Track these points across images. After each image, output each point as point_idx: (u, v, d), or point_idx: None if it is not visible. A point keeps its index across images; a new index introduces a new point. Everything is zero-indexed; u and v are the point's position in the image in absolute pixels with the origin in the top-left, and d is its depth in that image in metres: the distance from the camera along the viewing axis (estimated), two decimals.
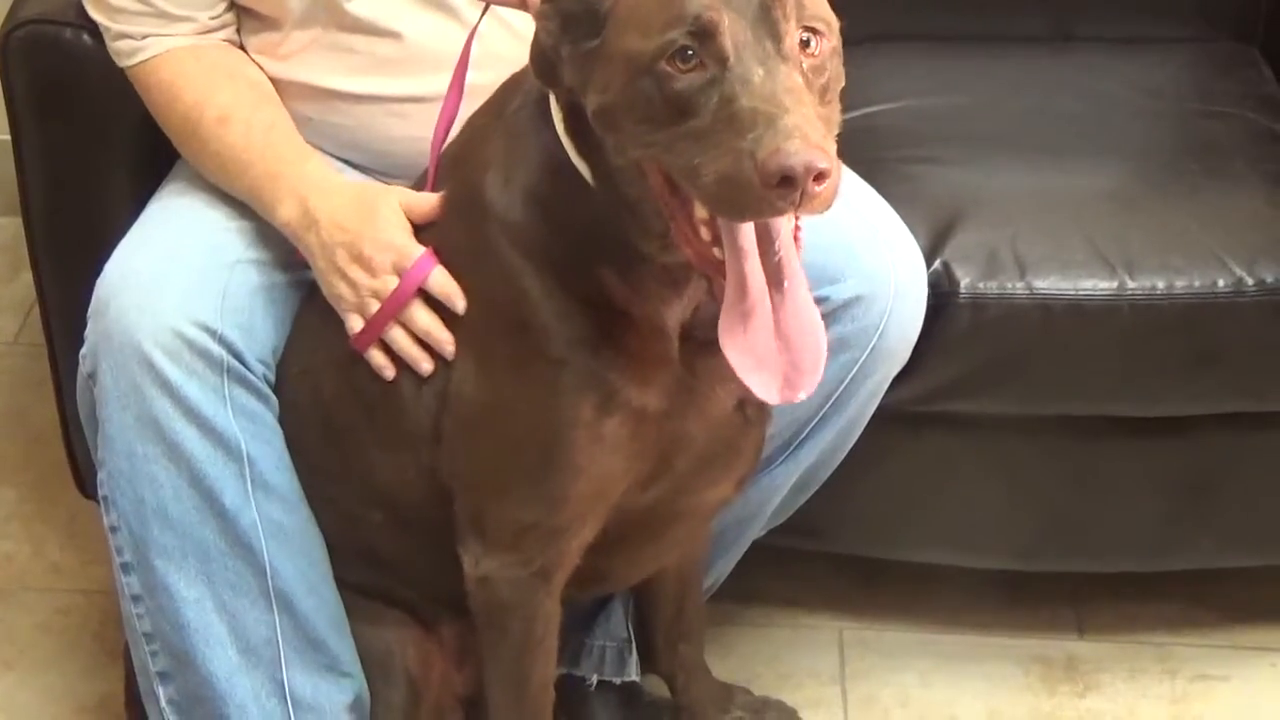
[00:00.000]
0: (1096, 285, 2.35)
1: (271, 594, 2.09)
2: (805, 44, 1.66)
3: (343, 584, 2.16)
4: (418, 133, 2.13)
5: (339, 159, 2.22)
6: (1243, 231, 2.42)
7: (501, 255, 1.89)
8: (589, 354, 1.87)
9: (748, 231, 1.68)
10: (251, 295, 2.11)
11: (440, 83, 2.09)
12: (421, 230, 2.00)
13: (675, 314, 1.89)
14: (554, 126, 1.84)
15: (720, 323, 1.71)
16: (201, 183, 2.20)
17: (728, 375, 1.77)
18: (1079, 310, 2.35)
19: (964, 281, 2.34)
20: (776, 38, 1.63)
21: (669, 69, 1.63)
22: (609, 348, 1.87)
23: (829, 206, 1.61)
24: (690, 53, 1.62)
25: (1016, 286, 2.34)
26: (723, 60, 1.62)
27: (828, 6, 1.73)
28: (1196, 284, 2.35)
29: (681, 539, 2.18)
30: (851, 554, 2.68)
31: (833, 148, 1.62)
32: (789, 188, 1.55)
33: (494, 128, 1.93)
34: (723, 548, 2.42)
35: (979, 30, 2.91)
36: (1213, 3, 2.94)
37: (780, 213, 1.60)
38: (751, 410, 2.02)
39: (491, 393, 1.94)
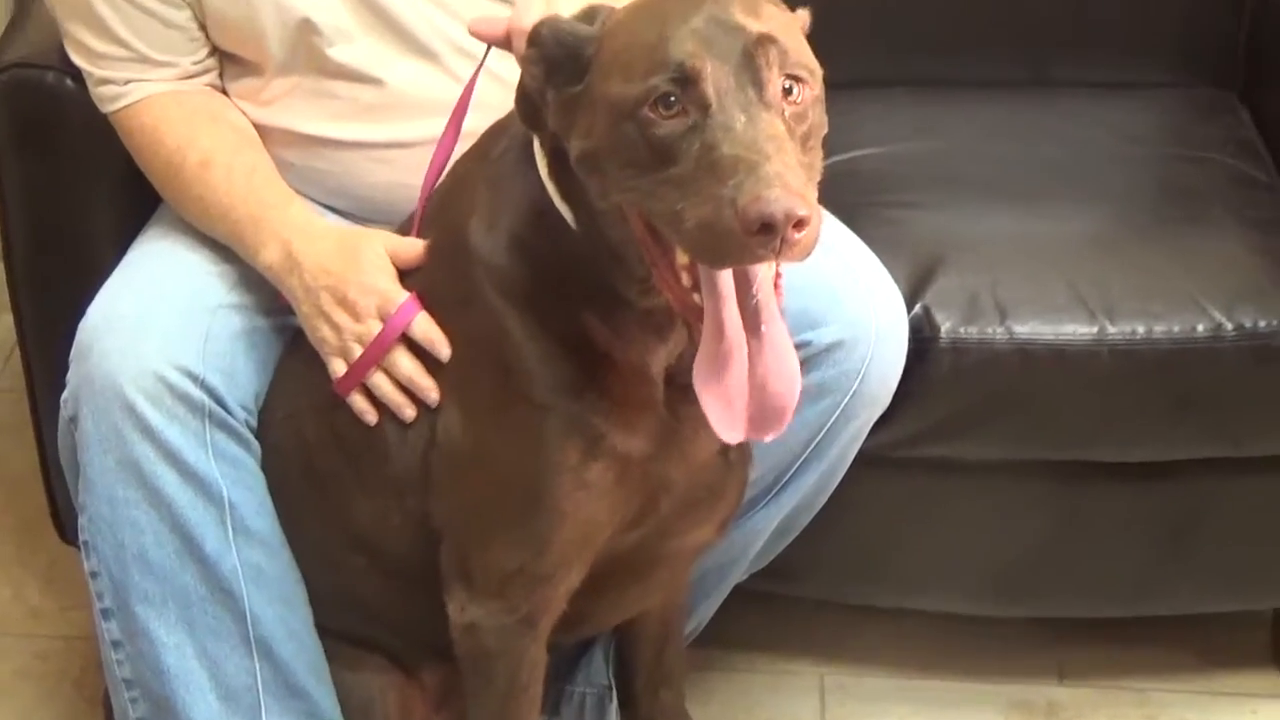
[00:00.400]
0: (1076, 330, 2.35)
1: (252, 640, 2.08)
2: (788, 91, 1.66)
3: (323, 630, 2.16)
4: (401, 179, 2.13)
5: (322, 204, 2.22)
6: (1222, 276, 2.42)
7: (486, 300, 1.89)
8: (573, 399, 1.87)
9: (726, 276, 1.68)
10: (234, 340, 2.11)
11: (423, 129, 2.10)
12: (406, 275, 2.01)
13: (659, 358, 1.89)
14: (538, 171, 1.84)
15: (695, 365, 1.71)
16: (184, 227, 2.20)
17: None
18: (1059, 355, 2.35)
19: (944, 326, 2.35)
20: (759, 85, 1.64)
21: (651, 115, 1.63)
22: (593, 392, 1.87)
23: (809, 254, 1.61)
24: (673, 99, 1.63)
25: (997, 331, 2.35)
26: (705, 107, 1.62)
27: (810, 54, 1.73)
28: (1176, 329, 2.35)
29: (664, 582, 2.18)
30: (833, 599, 2.67)
31: (813, 195, 1.62)
32: (769, 235, 1.55)
33: (478, 173, 1.94)
34: (704, 592, 2.42)
35: (961, 75, 2.92)
36: (1192, 48, 2.95)
37: (760, 260, 1.60)
38: (734, 454, 2.02)
39: (476, 438, 1.94)
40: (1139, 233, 2.56)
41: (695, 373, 1.71)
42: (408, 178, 2.08)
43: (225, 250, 2.16)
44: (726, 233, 1.56)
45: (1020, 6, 2.92)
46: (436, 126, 2.04)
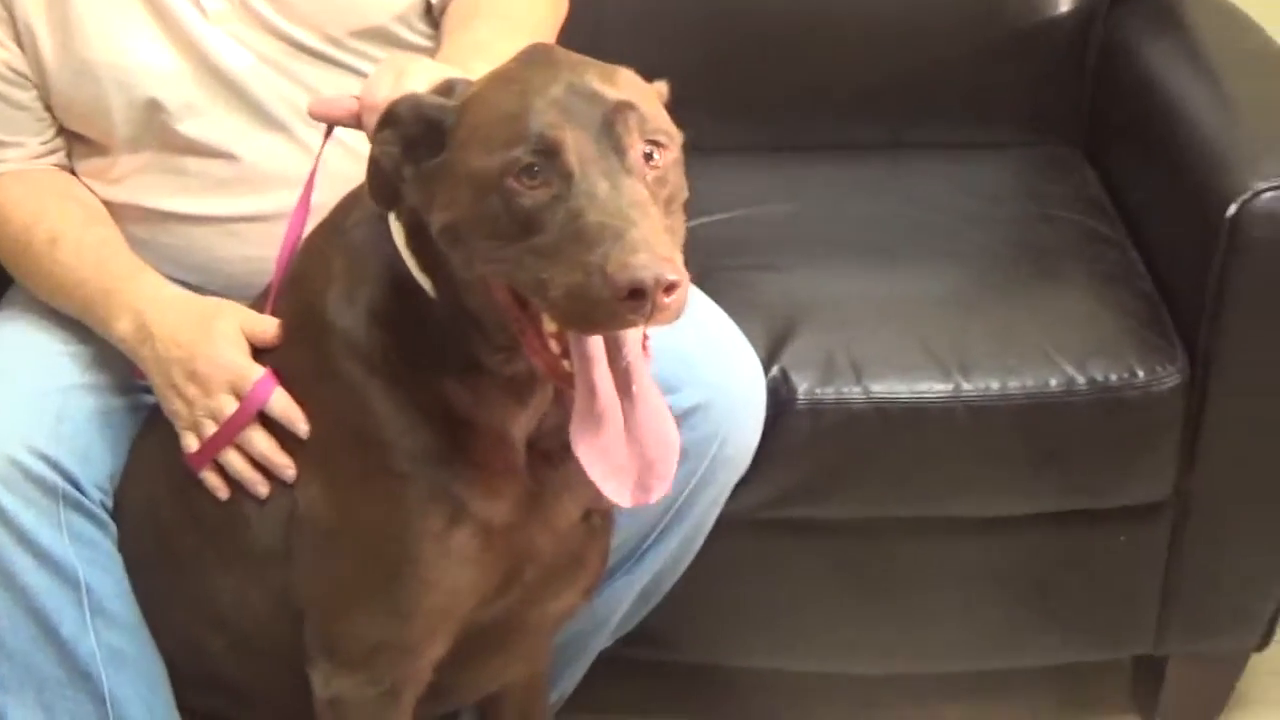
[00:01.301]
0: (932, 387, 2.38)
1: None
2: (648, 156, 1.67)
3: (186, 710, 2.13)
4: (253, 252, 2.13)
5: (174, 279, 2.19)
6: (1074, 331, 2.45)
7: (345, 372, 1.88)
8: (436, 467, 1.86)
9: (597, 341, 1.69)
10: (88, 420, 2.10)
11: (276, 201, 2.10)
12: (262, 349, 1.99)
13: (520, 425, 1.88)
14: (394, 242, 1.84)
15: (572, 430, 1.71)
16: (35, 309, 2.19)
17: (574, 484, 1.78)
18: (916, 413, 2.37)
19: (802, 387, 2.36)
20: (620, 151, 1.64)
21: (515, 185, 1.63)
22: (456, 460, 1.87)
23: (678, 317, 1.61)
24: (535, 169, 1.63)
25: (853, 391, 2.37)
26: (568, 176, 1.62)
27: (668, 118, 1.74)
28: (1030, 384, 2.38)
29: (527, 651, 2.17)
30: (700, 662, 2.67)
31: (680, 259, 1.63)
32: (639, 300, 1.55)
33: (333, 245, 1.93)
34: (568, 659, 2.41)
35: (813, 139, 2.95)
36: (1039, 108, 3.00)
37: (631, 325, 1.60)
38: (597, 519, 2.02)
39: (339, 511, 1.92)
40: (992, 290, 2.59)
41: (573, 441, 1.71)
42: (261, 251, 2.08)
43: (79, 330, 2.15)
44: (596, 300, 1.57)
45: (872, 69, 2.96)
46: (289, 199, 2.02)
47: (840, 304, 2.52)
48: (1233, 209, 2.31)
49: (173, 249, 2.20)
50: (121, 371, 2.12)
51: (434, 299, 1.82)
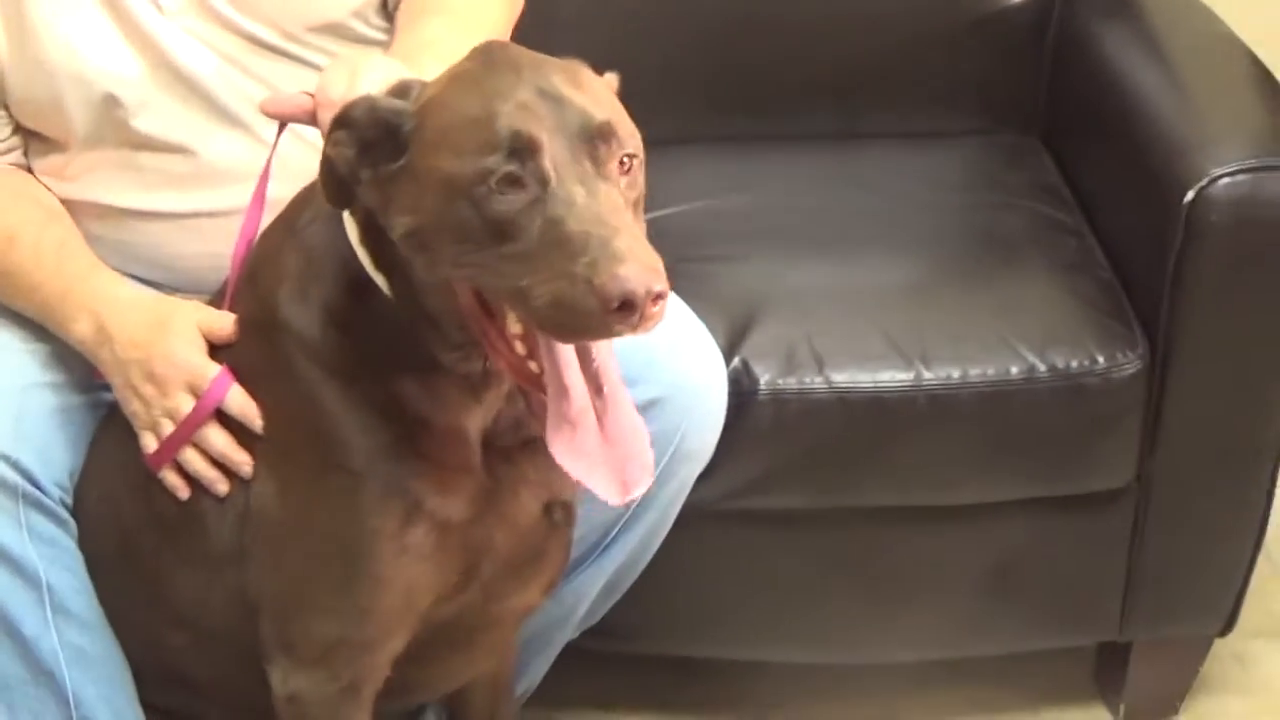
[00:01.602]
0: (894, 377, 2.38)
1: None
2: (620, 163, 1.67)
3: (151, 708, 2.13)
4: (210, 248, 2.12)
5: (131, 276, 2.19)
6: (1033, 319, 2.46)
7: (299, 370, 1.88)
8: (391, 465, 1.86)
9: (568, 345, 1.68)
10: (48, 418, 2.09)
11: (233, 197, 2.09)
12: (218, 347, 1.99)
13: (476, 421, 1.88)
14: (349, 240, 1.83)
15: (548, 435, 1.70)
16: None
17: (531, 479, 1.78)
18: (878, 402, 2.38)
19: (763, 378, 2.37)
20: (595, 156, 1.64)
21: (489, 191, 1.62)
22: (411, 458, 1.86)
23: (659, 323, 1.61)
24: (513, 175, 1.61)
25: (815, 381, 2.37)
26: (544, 181, 1.61)
27: (629, 119, 1.73)
28: (990, 372, 2.39)
29: (491, 647, 2.16)
30: (664, 654, 2.67)
31: (661, 265, 1.61)
32: (629, 311, 1.55)
33: (287, 242, 1.92)
34: (533, 653, 2.41)
35: (769, 130, 2.95)
36: (996, 96, 3.01)
37: (618, 334, 1.59)
38: (559, 514, 2.01)
39: (295, 508, 1.92)
40: (952, 279, 2.60)
41: (550, 443, 1.70)
42: (218, 247, 2.06)
43: (36, 328, 2.14)
44: (583, 310, 1.56)
45: (829, 59, 2.96)
46: (246, 195, 2.01)
47: (801, 294, 2.52)
48: (1190, 195, 2.32)
49: (129, 245, 2.20)
50: (81, 369, 2.11)
51: (389, 298, 1.81)
